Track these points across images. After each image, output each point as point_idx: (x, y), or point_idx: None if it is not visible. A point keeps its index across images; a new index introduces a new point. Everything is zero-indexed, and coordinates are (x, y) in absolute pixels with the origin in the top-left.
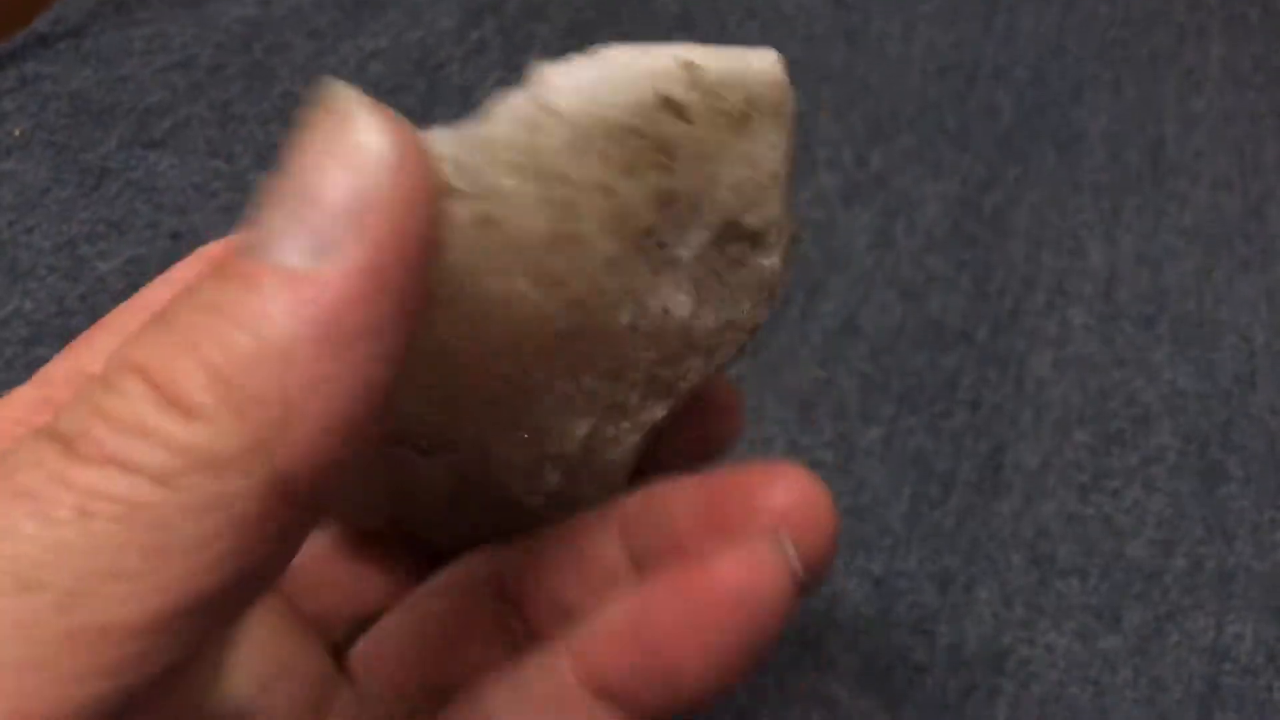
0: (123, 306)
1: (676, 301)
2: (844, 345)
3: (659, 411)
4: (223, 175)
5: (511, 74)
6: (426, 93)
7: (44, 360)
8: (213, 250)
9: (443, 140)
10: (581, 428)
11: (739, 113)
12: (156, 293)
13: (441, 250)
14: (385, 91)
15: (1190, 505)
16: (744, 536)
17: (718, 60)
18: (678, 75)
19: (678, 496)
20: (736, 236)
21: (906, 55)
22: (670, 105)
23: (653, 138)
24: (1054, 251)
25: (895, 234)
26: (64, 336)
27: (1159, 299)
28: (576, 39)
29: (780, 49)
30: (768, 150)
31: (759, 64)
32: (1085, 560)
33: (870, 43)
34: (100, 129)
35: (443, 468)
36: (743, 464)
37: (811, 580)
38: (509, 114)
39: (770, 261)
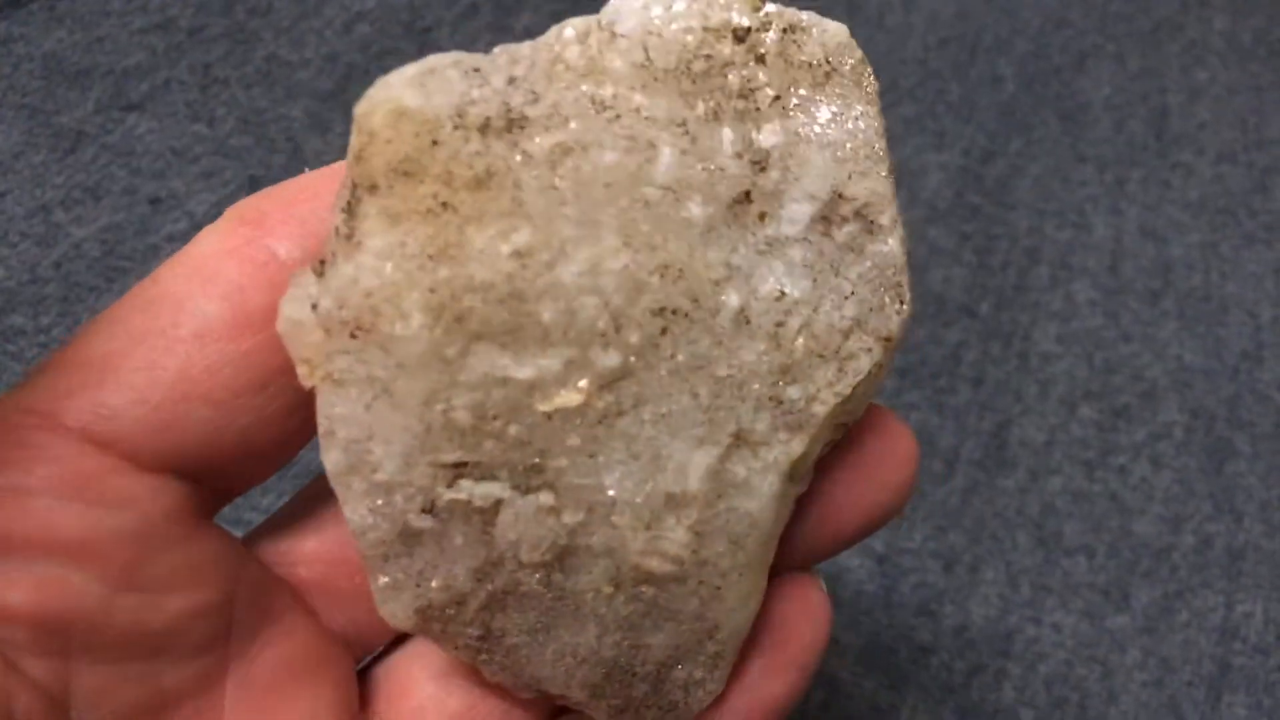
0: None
1: (791, 281)
2: None
3: (796, 447)
4: (204, 140)
5: (503, 37)
6: (415, 57)
7: (17, 329)
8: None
9: (500, 57)
10: (701, 459)
11: (819, 65)
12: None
13: (517, 189)
14: (372, 55)
15: (1198, 482)
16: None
17: (786, 8)
18: (739, 4)
19: None
20: (844, 216)
21: (907, 25)
22: (737, 34)
23: (722, 68)
24: (1058, 224)
25: None
26: (36, 305)
27: (1164, 273)
28: (568, 3)
29: None
30: (858, 118)
31: (833, 26)
32: (1092, 538)
33: (870, 12)
34: (76, 91)
35: (543, 517)
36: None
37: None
38: (568, 33)
39: (888, 248)
